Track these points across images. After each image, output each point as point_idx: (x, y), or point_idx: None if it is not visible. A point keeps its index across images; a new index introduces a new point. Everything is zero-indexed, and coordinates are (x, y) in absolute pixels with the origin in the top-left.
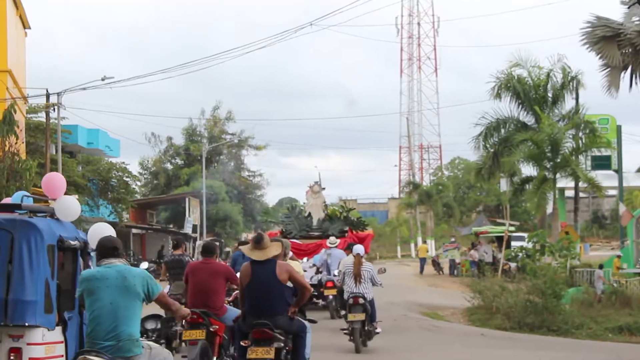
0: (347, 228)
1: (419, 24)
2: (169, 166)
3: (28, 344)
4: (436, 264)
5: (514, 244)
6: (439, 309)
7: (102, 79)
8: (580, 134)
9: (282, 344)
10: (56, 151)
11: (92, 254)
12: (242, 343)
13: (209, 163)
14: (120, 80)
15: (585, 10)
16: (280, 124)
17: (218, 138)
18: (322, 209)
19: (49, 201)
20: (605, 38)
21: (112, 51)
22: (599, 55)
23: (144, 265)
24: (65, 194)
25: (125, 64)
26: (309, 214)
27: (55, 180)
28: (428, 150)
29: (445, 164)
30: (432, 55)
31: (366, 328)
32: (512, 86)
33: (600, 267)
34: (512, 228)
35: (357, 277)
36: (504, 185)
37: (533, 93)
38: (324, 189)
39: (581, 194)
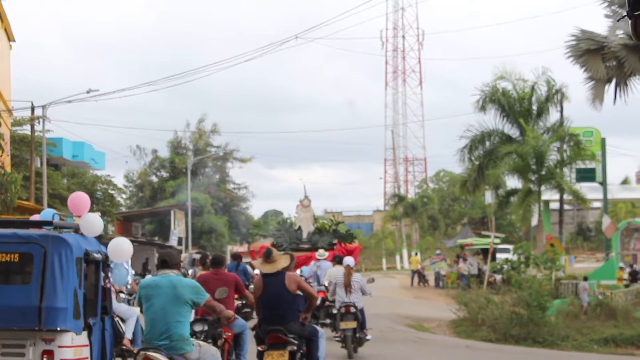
0: (335, 241)
1: (403, 37)
2: (154, 179)
3: (59, 347)
4: (421, 276)
5: (499, 256)
6: (425, 321)
7: (88, 92)
8: (565, 146)
9: (296, 348)
10: (41, 164)
11: (112, 265)
12: (259, 348)
13: (194, 176)
14: (105, 93)
15: (570, 23)
16: (265, 137)
17: (203, 151)
18: (311, 222)
19: (74, 218)
20: (590, 51)
21: (97, 62)
22: (584, 68)
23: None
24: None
25: (110, 75)
26: (299, 227)
27: (80, 199)
28: (413, 162)
29: (431, 177)
30: (417, 68)
31: (357, 335)
32: (497, 99)
33: (585, 279)
34: (497, 240)
35: (348, 287)
36: (489, 197)
37: (518, 106)
38: (310, 201)
39: (566, 207)
